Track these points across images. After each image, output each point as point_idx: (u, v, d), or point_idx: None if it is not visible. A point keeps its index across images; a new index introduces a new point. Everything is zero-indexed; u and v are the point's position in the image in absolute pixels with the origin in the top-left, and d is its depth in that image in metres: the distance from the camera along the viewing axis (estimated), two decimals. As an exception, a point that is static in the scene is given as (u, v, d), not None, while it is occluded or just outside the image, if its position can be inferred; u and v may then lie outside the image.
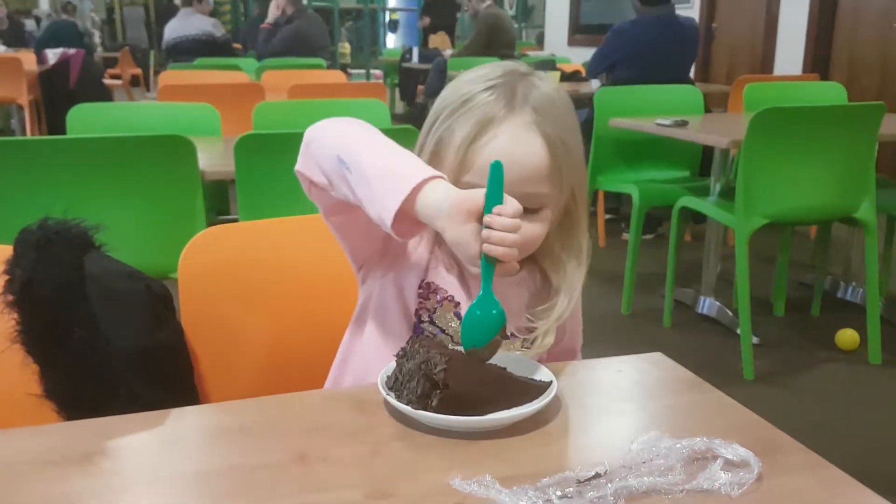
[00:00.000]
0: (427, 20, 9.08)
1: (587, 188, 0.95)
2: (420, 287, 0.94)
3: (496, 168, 0.77)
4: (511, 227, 0.76)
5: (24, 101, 5.70)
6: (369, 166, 0.81)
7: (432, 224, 0.79)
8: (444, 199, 0.78)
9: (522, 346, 0.94)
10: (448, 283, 0.94)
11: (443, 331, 0.94)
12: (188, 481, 0.68)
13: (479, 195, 0.77)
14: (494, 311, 0.81)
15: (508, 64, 0.95)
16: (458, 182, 0.87)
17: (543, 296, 0.96)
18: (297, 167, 0.90)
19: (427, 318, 0.94)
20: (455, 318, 0.94)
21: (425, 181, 0.78)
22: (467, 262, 0.82)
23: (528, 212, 0.88)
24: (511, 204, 0.77)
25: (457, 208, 0.77)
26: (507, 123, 0.88)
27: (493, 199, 0.77)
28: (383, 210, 0.78)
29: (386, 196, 0.78)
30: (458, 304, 0.94)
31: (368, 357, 0.95)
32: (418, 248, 0.96)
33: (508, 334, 0.93)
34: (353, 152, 0.83)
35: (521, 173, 0.87)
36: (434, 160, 0.91)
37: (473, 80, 0.92)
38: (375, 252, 0.96)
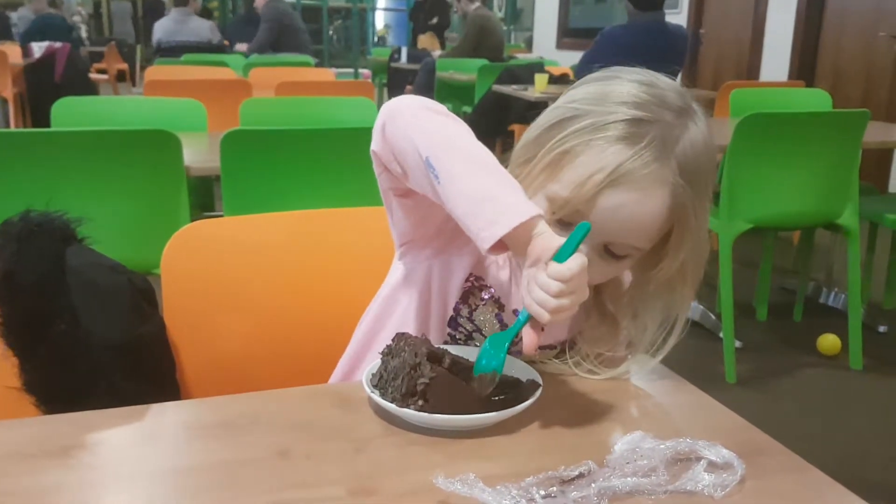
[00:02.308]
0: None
1: (701, 269, 0.88)
2: (467, 280, 0.91)
3: (581, 228, 0.74)
4: (548, 288, 0.73)
5: (8, 95, 5.67)
6: (466, 186, 0.76)
7: (515, 253, 0.76)
8: (535, 237, 0.74)
9: (557, 357, 0.91)
10: (497, 281, 0.91)
11: (479, 330, 0.92)
12: (168, 476, 0.68)
13: (554, 246, 0.74)
14: (495, 362, 0.79)
15: (662, 87, 0.84)
16: (573, 211, 0.82)
17: (594, 323, 0.92)
18: (374, 148, 0.85)
19: (466, 314, 0.91)
20: (496, 321, 0.91)
21: (531, 219, 0.73)
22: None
23: (611, 256, 0.84)
24: (566, 267, 0.72)
25: (541, 250, 0.74)
26: (645, 176, 0.80)
27: (562, 254, 0.73)
28: (481, 233, 0.74)
29: (488, 224, 0.73)
30: (503, 306, 0.91)
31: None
32: None
33: (551, 346, 0.92)
34: (444, 160, 0.77)
35: (632, 227, 0.82)
36: (547, 173, 0.84)
37: (621, 99, 0.82)
38: (429, 231, 0.91)
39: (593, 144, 0.81)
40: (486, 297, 0.91)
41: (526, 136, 0.89)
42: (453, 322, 0.92)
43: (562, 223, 0.83)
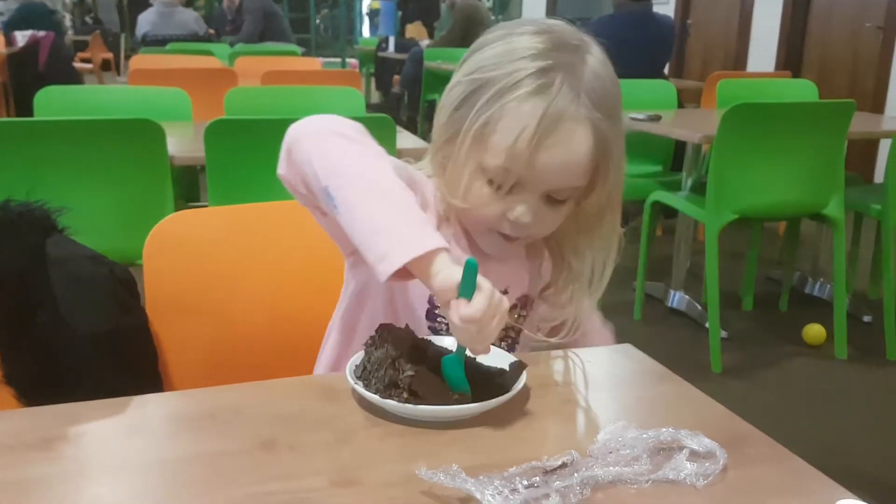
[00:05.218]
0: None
1: (622, 192, 0.91)
2: None
3: (470, 267, 0.72)
4: (467, 333, 0.72)
5: (-10, 84, 5.61)
6: (362, 217, 0.75)
7: (426, 285, 0.75)
8: (435, 275, 0.73)
9: (517, 319, 0.92)
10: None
11: None
12: (151, 468, 0.67)
13: (453, 286, 0.72)
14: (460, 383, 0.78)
15: (556, 29, 0.86)
16: (517, 177, 0.82)
17: (553, 273, 0.94)
18: (280, 172, 0.84)
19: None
20: None
21: (427, 253, 0.72)
22: None
23: (554, 202, 0.86)
24: (473, 309, 0.71)
25: (440, 291, 0.73)
26: (566, 120, 0.82)
27: (465, 291, 0.72)
28: (376, 266, 0.73)
29: (380, 258, 0.73)
30: None
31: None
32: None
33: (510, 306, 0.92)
34: (342, 190, 0.76)
35: (568, 171, 0.83)
36: (475, 148, 0.84)
37: (520, 55, 0.83)
38: None
39: (508, 107, 0.82)
40: None
41: (438, 117, 0.89)
42: (431, 314, 0.92)
43: (509, 193, 0.85)
